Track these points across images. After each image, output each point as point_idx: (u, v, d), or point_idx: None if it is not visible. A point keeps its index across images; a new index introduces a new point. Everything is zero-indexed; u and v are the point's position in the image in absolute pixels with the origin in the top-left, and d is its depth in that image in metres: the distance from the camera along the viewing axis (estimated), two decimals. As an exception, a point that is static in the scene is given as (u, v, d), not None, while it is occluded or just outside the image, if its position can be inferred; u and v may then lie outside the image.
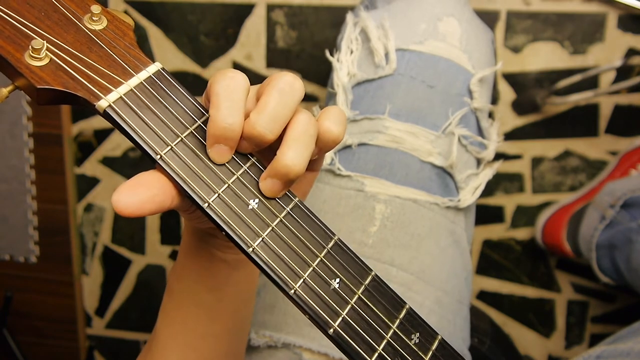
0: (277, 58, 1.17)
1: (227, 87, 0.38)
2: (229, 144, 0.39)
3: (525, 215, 1.19)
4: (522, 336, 1.23)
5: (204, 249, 0.49)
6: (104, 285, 1.34)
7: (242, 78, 0.39)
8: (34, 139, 1.24)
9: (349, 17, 0.76)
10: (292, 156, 0.39)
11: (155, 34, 1.18)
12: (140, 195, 0.37)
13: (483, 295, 1.23)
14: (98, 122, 1.24)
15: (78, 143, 1.26)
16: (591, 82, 1.10)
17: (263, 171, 0.41)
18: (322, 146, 0.42)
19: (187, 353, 0.51)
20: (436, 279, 0.71)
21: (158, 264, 1.30)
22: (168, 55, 1.19)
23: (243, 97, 0.39)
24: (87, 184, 1.28)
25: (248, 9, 1.15)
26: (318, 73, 1.16)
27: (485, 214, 1.19)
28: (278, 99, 0.39)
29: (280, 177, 0.39)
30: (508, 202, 1.19)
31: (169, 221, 1.28)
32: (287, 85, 0.39)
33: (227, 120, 0.38)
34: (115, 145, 1.25)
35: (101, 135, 1.25)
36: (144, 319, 1.34)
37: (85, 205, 1.29)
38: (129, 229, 1.29)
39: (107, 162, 1.26)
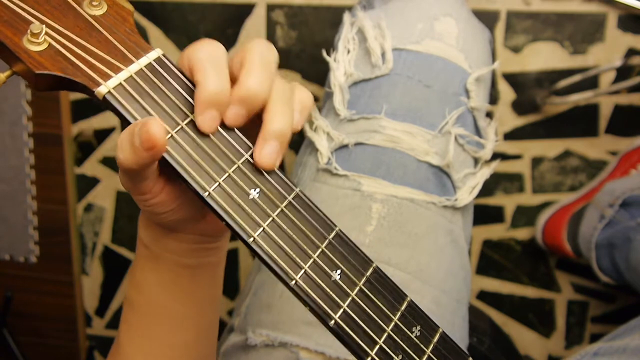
0: (277, 58, 1.17)
1: (209, 54, 0.39)
2: (220, 109, 0.39)
3: (525, 215, 1.18)
4: (522, 336, 1.23)
5: (164, 257, 0.47)
6: (104, 285, 1.33)
7: (221, 46, 0.40)
8: (34, 139, 1.24)
9: (346, 17, 0.76)
10: (281, 111, 0.40)
11: (155, 34, 1.18)
12: (163, 131, 0.36)
13: (483, 295, 1.23)
14: (98, 122, 1.24)
15: (78, 143, 1.26)
16: (591, 82, 1.10)
17: None
18: (300, 109, 0.43)
19: None
20: (434, 278, 0.71)
21: (158, 264, 1.30)
22: (168, 55, 1.18)
23: (226, 64, 0.40)
24: (87, 184, 1.28)
25: (248, 9, 1.15)
26: (318, 73, 1.16)
27: (485, 214, 1.19)
28: (261, 60, 0.40)
29: (277, 136, 0.40)
30: (508, 202, 1.18)
31: (169, 221, 1.28)
32: (265, 48, 0.40)
33: (218, 84, 0.38)
34: (116, 145, 1.25)
35: (101, 135, 1.25)
36: (143, 320, 1.33)
37: (85, 205, 1.29)
38: (129, 229, 1.29)
39: (107, 162, 1.26)
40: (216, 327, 0.55)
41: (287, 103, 0.41)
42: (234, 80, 0.40)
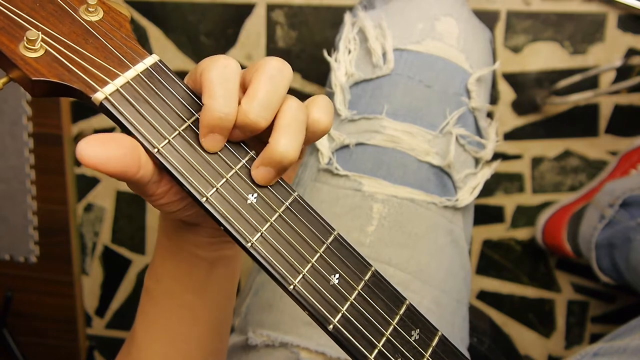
0: (277, 58, 1.17)
1: (221, 75, 0.38)
2: (223, 133, 0.39)
3: (525, 215, 1.18)
4: (522, 336, 1.23)
5: (183, 248, 0.48)
6: (104, 285, 1.33)
7: (235, 65, 0.39)
8: (34, 139, 1.24)
9: (347, 17, 0.76)
10: (285, 143, 0.38)
11: (155, 34, 1.18)
12: (109, 150, 0.35)
13: (483, 295, 1.23)
14: (98, 122, 1.24)
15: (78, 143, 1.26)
16: (591, 82, 1.10)
17: None
18: (310, 136, 0.41)
19: (170, 355, 0.50)
20: (434, 278, 0.70)
21: (158, 264, 1.30)
22: (168, 55, 1.19)
23: (237, 85, 0.38)
24: (87, 184, 1.28)
25: (248, 9, 1.15)
26: (318, 73, 1.15)
27: (485, 214, 1.19)
28: (269, 85, 0.38)
29: (274, 164, 0.39)
30: (508, 202, 1.18)
31: (169, 221, 1.28)
32: (276, 70, 0.39)
33: (223, 110, 0.37)
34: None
35: (101, 135, 1.25)
36: (144, 319, 1.33)
37: (85, 205, 1.29)
38: (129, 229, 1.29)
39: (107, 162, 1.26)
40: (229, 324, 0.55)
41: (295, 129, 0.39)
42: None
